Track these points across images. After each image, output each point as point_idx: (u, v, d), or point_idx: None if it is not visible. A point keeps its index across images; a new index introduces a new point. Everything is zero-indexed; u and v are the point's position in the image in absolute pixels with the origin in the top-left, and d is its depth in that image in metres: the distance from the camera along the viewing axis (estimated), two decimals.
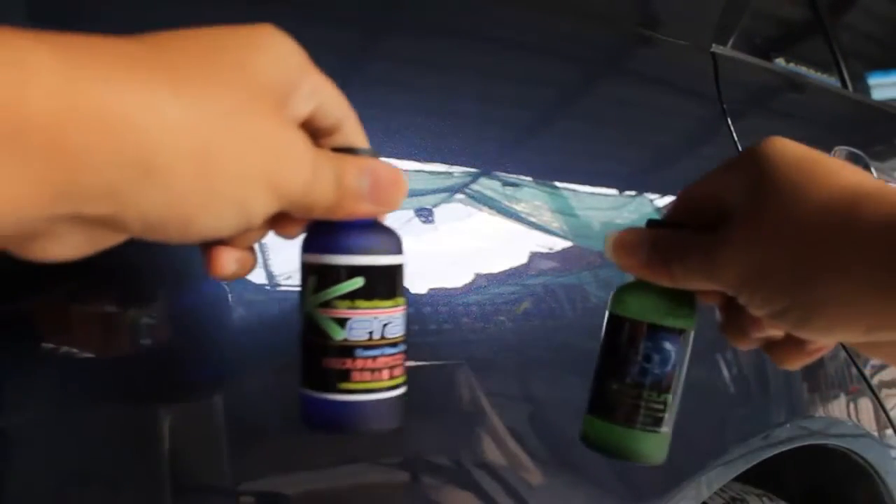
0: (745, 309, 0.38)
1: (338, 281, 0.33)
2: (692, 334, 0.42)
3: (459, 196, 0.60)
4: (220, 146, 0.26)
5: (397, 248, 0.35)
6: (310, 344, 0.35)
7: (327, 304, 0.34)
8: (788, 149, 0.36)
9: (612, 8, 0.85)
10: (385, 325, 0.34)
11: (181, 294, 0.45)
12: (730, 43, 1.01)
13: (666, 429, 0.42)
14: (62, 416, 0.42)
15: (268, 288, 0.48)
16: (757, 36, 1.12)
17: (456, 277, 0.60)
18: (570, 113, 0.76)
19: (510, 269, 0.64)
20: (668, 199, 0.82)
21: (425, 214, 0.57)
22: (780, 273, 0.34)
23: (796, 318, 0.35)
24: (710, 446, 0.82)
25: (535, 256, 0.66)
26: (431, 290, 0.57)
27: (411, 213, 0.57)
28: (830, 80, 1.35)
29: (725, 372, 0.83)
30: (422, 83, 0.62)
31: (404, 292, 0.36)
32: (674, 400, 0.42)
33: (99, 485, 0.43)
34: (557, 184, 0.70)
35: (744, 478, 0.92)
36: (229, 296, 0.47)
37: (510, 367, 0.63)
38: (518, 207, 0.65)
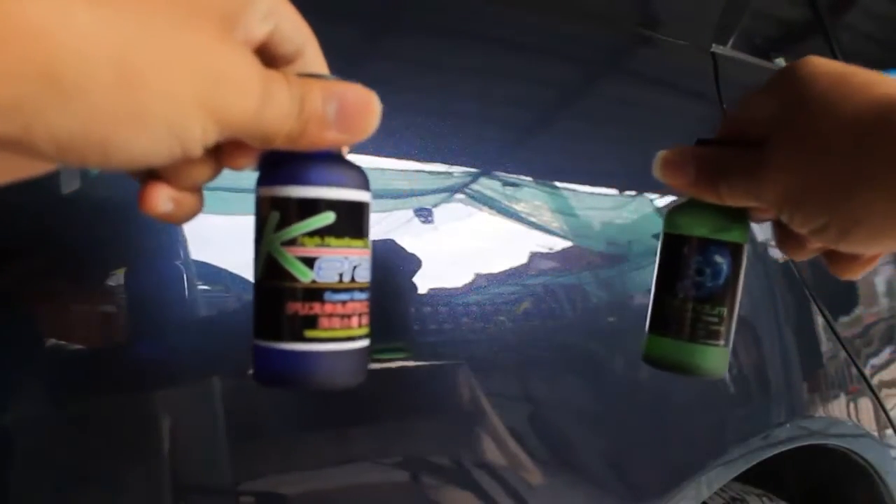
0: None
1: (306, 215, 0.30)
2: (745, 250, 0.43)
3: (459, 196, 0.60)
4: (144, 59, 0.23)
5: (366, 185, 0.32)
6: (270, 288, 0.31)
7: (292, 242, 0.30)
8: (821, 66, 0.36)
9: (612, 8, 0.85)
10: (355, 267, 0.31)
11: (181, 294, 0.45)
12: (730, 43, 1.01)
13: (723, 342, 0.43)
14: (62, 415, 0.42)
15: None
16: (757, 36, 1.12)
17: (456, 277, 0.60)
18: (570, 113, 0.76)
19: (510, 269, 0.64)
20: (669, 198, 0.82)
21: (425, 214, 0.57)
22: (817, 190, 0.34)
23: (837, 233, 0.35)
24: (710, 446, 0.82)
25: (535, 256, 0.66)
26: (431, 290, 0.57)
27: (411, 213, 0.57)
28: None
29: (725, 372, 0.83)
30: (422, 83, 0.62)
31: (369, 234, 0.33)
32: (730, 315, 0.43)
33: (99, 485, 0.43)
34: (557, 184, 0.70)
35: (744, 478, 0.92)
36: (230, 295, 0.47)
37: (510, 367, 0.63)
38: (518, 207, 0.65)
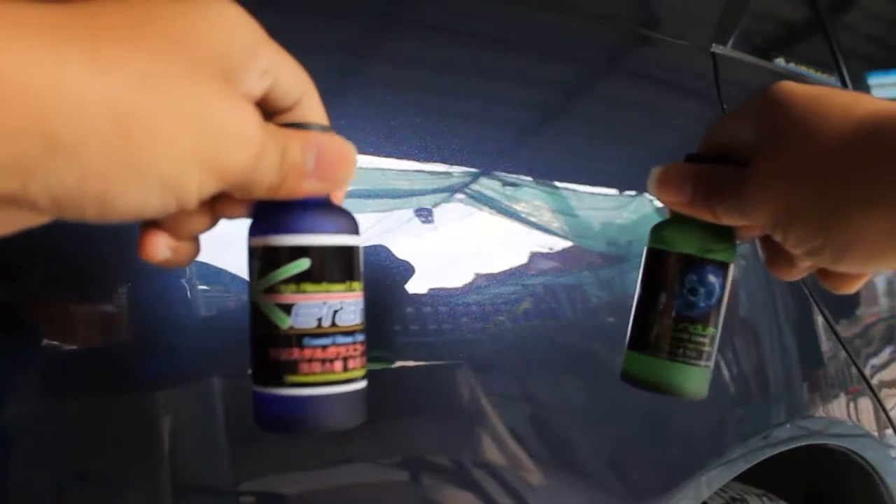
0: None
1: (281, 263, 0.31)
2: (733, 268, 0.43)
3: (459, 196, 0.60)
4: (140, 118, 0.23)
5: (349, 229, 0.33)
6: (256, 335, 0.32)
7: (272, 290, 0.31)
8: (795, 89, 0.36)
9: (612, 8, 0.85)
10: (336, 311, 0.32)
11: (181, 293, 0.45)
12: (730, 43, 1.00)
13: (709, 363, 0.42)
14: (62, 415, 0.42)
15: None
16: (757, 36, 1.12)
17: (456, 277, 0.60)
18: (570, 113, 0.76)
19: (510, 269, 0.64)
20: None
21: (425, 214, 0.57)
22: (808, 212, 0.34)
23: (832, 254, 0.34)
24: (710, 446, 0.81)
25: (535, 256, 0.66)
26: (431, 290, 0.57)
27: (411, 213, 0.57)
28: (830, 80, 1.35)
29: (725, 372, 0.83)
30: (422, 83, 0.62)
31: (360, 277, 0.33)
32: (717, 335, 0.42)
33: (99, 485, 0.43)
34: (557, 184, 0.70)
35: (744, 478, 0.92)
36: (230, 295, 0.47)
37: (510, 367, 0.63)
38: (518, 207, 0.65)
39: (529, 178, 0.67)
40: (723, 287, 0.42)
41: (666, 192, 0.40)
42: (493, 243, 0.63)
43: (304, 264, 0.31)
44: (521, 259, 0.65)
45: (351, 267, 0.32)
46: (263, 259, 0.31)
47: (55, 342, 0.42)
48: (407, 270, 0.56)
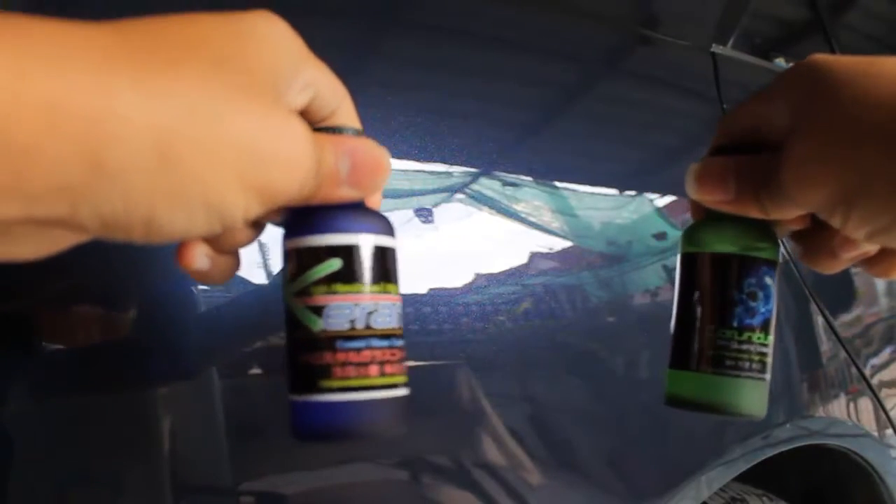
0: (833, 230, 0.35)
1: (313, 264, 0.30)
2: (779, 267, 0.38)
3: (459, 196, 0.60)
4: (187, 143, 0.23)
5: (383, 230, 0.32)
6: (290, 341, 0.31)
7: (304, 292, 0.30)
8: (833, 59, 0.33)
9: (612, 8, 0.85)
10: (370, 313, 0.31)
11: (181, 293, 0.45)
12: (730, 43, 1.00)
13: (769, 376, 0.38)
14: (62, 415, 0.42)
15: (269, 287, 0.48)
16: (757, 36, 1.12)
17: (456, 277, 0.60)
18: (570, 113, 0.76)
19: (510, 269, 0.64)
20: (669, 198, 0.82)
21: (425, 214, 0.57)
22: (875, 187, 0.30)
23: None
24: (710, 446, 0.81)
25: (535, 256, 0.66)
26: (431, 290, 0.57)
27: (411, 213, 0.57)
28: None
29: None
30: (422, 83, 0.62)
31: (396, 280, 0.32)
32: (773, 343, 0.38)
33: (99, 485, 0.43)
34: (557, 184, 0.70)
35: (744, 478, 0.92)
36: (231, 295, 0.47)
37: (510, 367, 0.63)
38: (518, 207, 0.65)
39: (529, 178, 0.67)
40: (776, 289, 0.38)
41: (707, 190, 0.37)
42: (493, 243, 0.63)
43: (334, 264, 0.30)
44: (521, 259, 0.65)
45: (385, 268, 0.31)
46: (295, 262, 0.31)
47: (55, 342, 0.42)
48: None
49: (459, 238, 0.60)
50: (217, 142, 0.24)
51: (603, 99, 0.81)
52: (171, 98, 0.23)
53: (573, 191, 0.71)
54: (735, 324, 0.37)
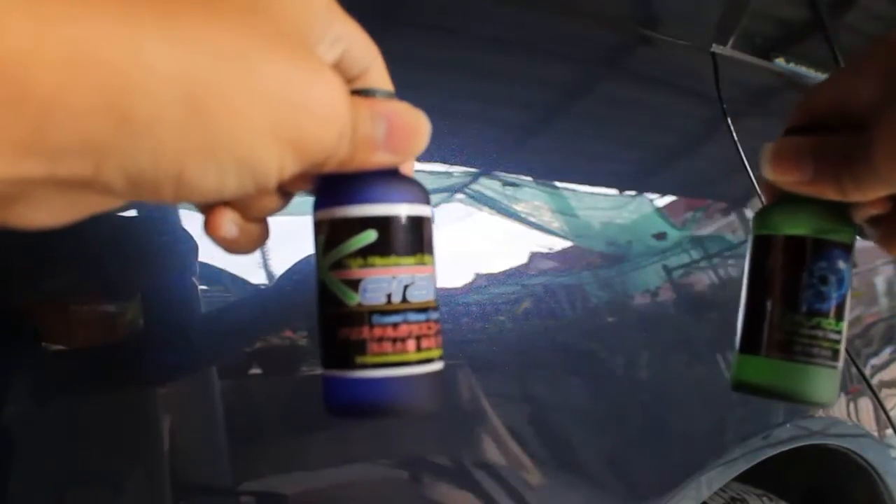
0: None
1: (348, 236, 0.29)
2: (854, 252, 0.37)
3: (459, 196, 0.60)
4: (217, 93, 0.22)
5: (419, 198, 0.30)
6: (324, 316, 0.30)
7: (338, 265, 0.29)
8: None
9: (612, 8, 0.85)
10: (407, 286, 0.29)
11: (181, 293, 0.45)
12: (730, 43, 1.00)
13: (840, 363, 0.37)
14: (63, 415, 0.42)
15: (269, 287, 0.48)
16: (757, 36, 1.12)
17: (456, 277, 0.60)
18: (570, 113, 0.76)
19: (510, 269, 0.64)
20: (669, 199, 0.82)
21: None
22: None
23: None
24: (710, 446, 0.81)
25: (535, 256, 0.66)
26: None
27: None
28: None
29: (725, 372, 0.83)
30: (422, 83, 0.62)
31: (432, 251, 0.31)
32: (846, 330, 0.37)
33: (99, 485, 0.43)
34: (557, 184, 0.70)
35: (744, 478, 0.92)
36: (231, 295, 0.47)
37: (510, 367, 0.63)
38: (518, 207, 0.65)
39: (529, 178, 0.67)
40: (850, 273, 0.37)
41: (784, 170, 0.35)
42: (493, 243, 0.63)
43: (370, 236, 0.29)
44: (521, 259, 0.65)
45: (422, 239, 0.30)
46: (329, 233, 0.30)
47: (54, 342, 0.42)
48: None
49: (459, 238, 0.60)
50: (249, 92, 0.23)
51: (603, 99, 0.81)
52: (200, 46, 0.22)
53: (573, 191, 0.71)
54: (805, 308, 0.36)
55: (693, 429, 0.80)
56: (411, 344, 0.30)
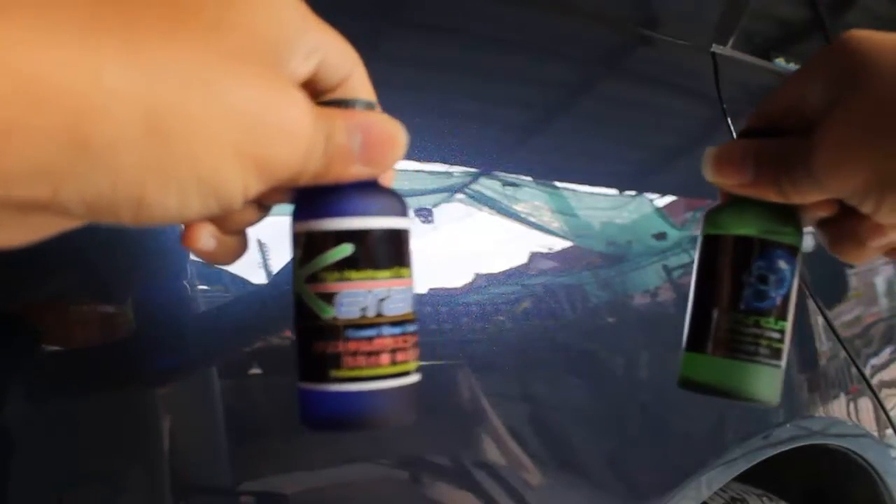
0: (861, 218, 0.34)
1: (323, 249, 0.29)
2: (800, 255, 0.38)
3: (459, 196, 0.60)
4: (178, 115, 0.22)
5: (396, 211, 0.30)
6: (299, 328, 0.30)
7: (314, 278, 0.29)
8: (873, 35, 0.32)
9: (612, 8, 0.85)
10: (382, 300, 0.29)
11: (181, 293, 0.45)
12: (730, 43, 1.00)
13: (783, 363, 0.38)
14: (62, 415, 0.42)
15: (269, 287, 0.48)
16: (757, 36, 1.12)
17: (456, 277, 0.60)
18: (570, 113, 0.76)
19: (510, 269, 0.64)
20: (669, 199, 0.82)
21: (425, 214, 0.57)
22: None
23: None
24: (710, 446, 0.81)
25: (535, 256, 0.66)
26: (431, 290, 0.57)
27: (411, 213, 0.57)
28: None
29: None
30: (422, 83, 0.62)
31: (409, 263, 0.31)
32: (789, 330, 0.38)
33: (99, 485, 0.43)
34: (557, 184, 0.70)
35: (744, 478, 0.92)
36: (231, 295, 0.47)
37: (510, 367, 0.63)
38: (518, 207, 0.65)
39: (529, 178, 0.67)
40: (793, 274, 0.37)
41: (725, 173, 0.36)
42: (493, 243, 0.63)
43: (346, 250, 0.29)
44: (521, 259, 0.65)
45: (398, 252, 0.30)
46: (305, 246, 0.30)
47: (54, 342, 0.42)
48: None
49: (459, 238, 0.60)
50: (210, 113, 0.22)
51: (603, 99, 0.81)
52: (162, 67, 0.21)
53: (573, 191, 0.71)
54: (744, 307, 0.37)
55: (693, 429, 0.80)
56: (385, 358, 0.30)
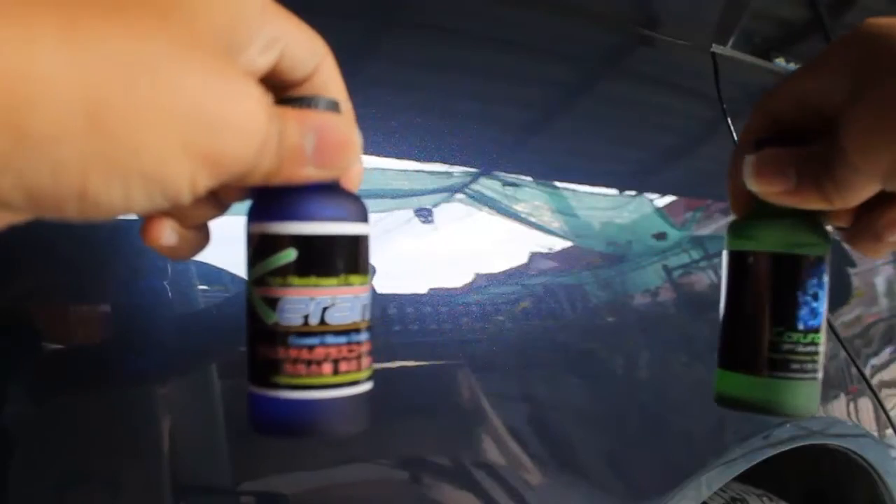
0: (879, 213, 0.35)
1: (269, 253, 0.28)
2: None
3: (459, 196, 0.60)
4: (120, 105, 0.20)
5: (350, 216, 0.29)
6: (247, 330, 0.30)
7: (260, 281, 0.29)
8: (892, 21, 0.32)
9: (612, 8, 0.85)
10: (326, 308, 0.29)
11: (181, 293, 0.45)
12: (730, 43, 1.00)
13: (822, 374, 0.37)
14: (62, 415, 0.42)
15: None
16: (757, 36, 1.12)
17: (456, 277, 0.60)
18: (570, 113, 0.76)
19: (510, 269, 0.64)
20: (669, 199, 0.82)
21: (425, 214, 0.57)
22: None
23: None
24: (710, 446, 0.81)
25: (535, 256, 0.66)
26: (431, 290, 0.57)
27: (411, 213, 0.57)
28: None
29: None
30: (422, 83, 0.62)
31: (364, 270, 0.30)
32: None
33: (99, 485, 0.43)
34: (557, 184, 0.70)
35: (744, 478, 0.92)
36: (230, 295, 0.47)
37: (510, 367, 0.63)
38: (518, 207, 0.65)
39: (529, 178, 0.67)
40: (828, 284, 0.37)
41: (768, 182, 0.35)
42: (493, 243, 0.63)
43: (289, 255, 0.28)
44: (521, 259, 0.65)
45: (347, 258, 0.29)
46: (253, 248, 0.29)
47: (53, 342, 0.42)
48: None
49: (459, 238, 0.60)
50: (155, 104, 0.21)
51: (603, 99, 0.81)
52: (103, 54, 0.20)
53: (573, 191, 0.71)
54: (801, 326, 0.36)
55: (693, 429, 0.80)
56: (327, 367, 0.29)
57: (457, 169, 0.61)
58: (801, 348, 0.36)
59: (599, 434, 0.70)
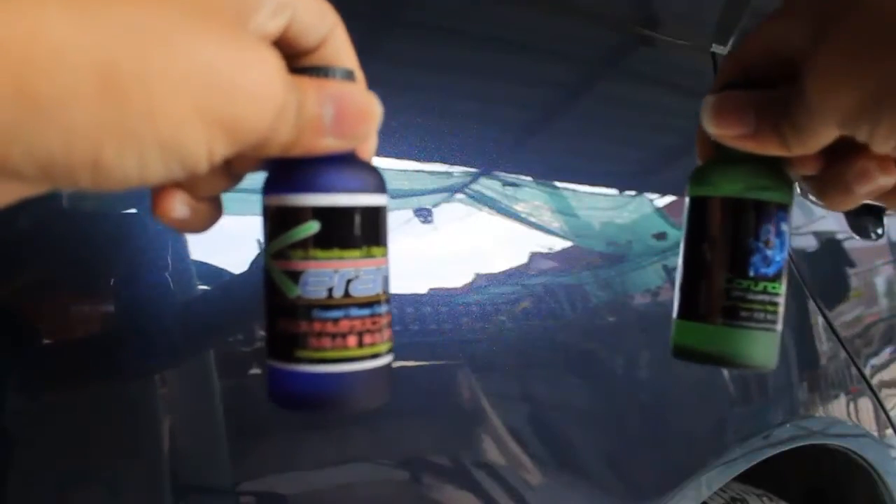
0: (848, 163, 0.33)
1: (290, 226, 0.28)
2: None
3: (459, 196, 0.60)
4: (131, 74, 0.20)
5: (370, 187, 0.29)
6: (267, 304, 0.29)
7: (280, 255, 0.28)
8: None
9: (612, 8, 0.85)
10: (350, 280, 0.28)
11: (181, 292, 0.45)
12: (730, 43, 1.00)
13: (781, 326, 0.36)
14: (62, 415, 0.42)
15: None
16: None
17: (456, 277, 0.60)
18: (570, 113, 0.76)
19: (510, 269, 0.64)
20: (669, 199, 0.82)
21: (425, 214, 0.57)
22: None
23: None
24: (710, 446, 0.81)
25: (535, 256, 0.66)
26: (431, 290, 0.57)
27: (411, 213, 0.57)
28: None
29: (725, 372, 0.83)
30: (422, 83, 0.62)
31: (384, 241, 0.30)
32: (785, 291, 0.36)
33: (99, 484, 0.43)
34: (557, 184, 0.70)
35: (744, 478, 0.92)
36: (230, 294, 0.47)
37: (510, 367, 0.63)
38: (518, 207, 0.65)
39: (529, 178, 0.67)
40: (790, 235, 0.36)
41: (726, 124, 0.34)
42: (493, 243, 0.63)
43: (312, 227, 0.28)
44: (521, 259, 0.65)
45: (369, 231, 0.29)
46: (272, 221, 0.28)
47: (53, 339, 0.42)
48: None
49: (459, 238, 0.60)
50: (168, 70, 0.21)
51: (603, 99, 0.81)
52: (113, 19, 0.20)
53: (573, 191, 0.71)
54: (752, 273, 0.35)
55: (693, 429, 0.80)
56: (352, 340, 0.29)
57: (457, 169, 0.61)
58: (751, 296, 0.35)
59: (599, 434, 0.70)
